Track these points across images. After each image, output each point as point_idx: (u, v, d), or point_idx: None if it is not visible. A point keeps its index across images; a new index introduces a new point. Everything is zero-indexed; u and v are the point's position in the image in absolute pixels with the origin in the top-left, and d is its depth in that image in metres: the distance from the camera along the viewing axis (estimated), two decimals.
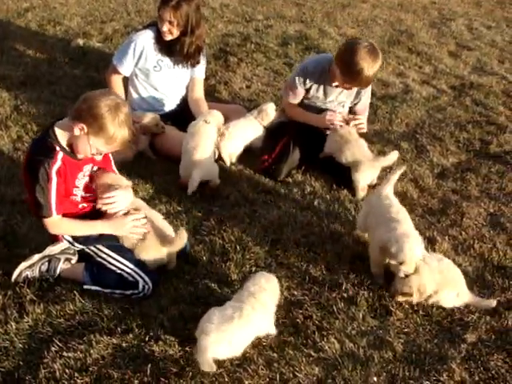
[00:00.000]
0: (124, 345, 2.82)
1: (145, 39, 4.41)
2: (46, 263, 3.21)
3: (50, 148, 2.98)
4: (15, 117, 4.96)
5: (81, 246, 3.27)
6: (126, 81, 4.71)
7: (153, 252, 3.22)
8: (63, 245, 3.28)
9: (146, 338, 2.85)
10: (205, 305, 2.98)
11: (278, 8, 8.42)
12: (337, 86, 4.23)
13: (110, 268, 3.19)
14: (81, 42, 6.60)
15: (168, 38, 4.37)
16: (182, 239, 3.23)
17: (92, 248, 3.25)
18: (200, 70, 4.77)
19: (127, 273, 3.14)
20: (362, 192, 4.05)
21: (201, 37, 4.51)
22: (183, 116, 4.67)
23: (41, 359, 2.75)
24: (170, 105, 4.76)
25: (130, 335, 2.86)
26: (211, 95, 5.42)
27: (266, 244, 3.49)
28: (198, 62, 4.67)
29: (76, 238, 3.25)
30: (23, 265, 3.17)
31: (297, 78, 4.32)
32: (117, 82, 4.55)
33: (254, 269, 3.32)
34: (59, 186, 3.00)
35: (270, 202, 3.95)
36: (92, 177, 3.24)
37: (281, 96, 5.27)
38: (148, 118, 4.37)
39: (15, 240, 3.51)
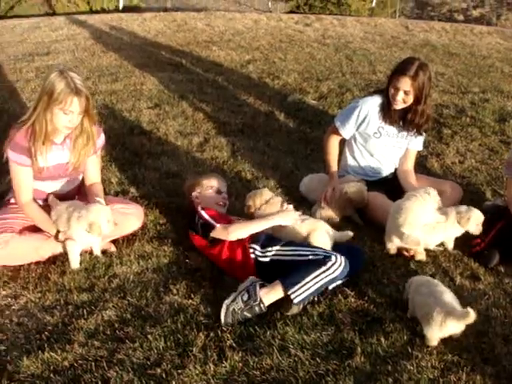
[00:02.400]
0: None
1: (370, 105, 4.45)
2: (245, 293, 3.32)
3: (194, 211, 3.87)
4: (231, 163, 5.23)
5: (269, 254, 3.54)
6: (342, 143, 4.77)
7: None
8: (252, 278, 3.43)
9: None
10: None
11: (495, 81, 8.15)
12: None
13: (300, 260, 3.42)
14: (297, 97, 6.85)
15: (400, 106, 4.38)
16: None
17: (275, 253, 3.53)
18: (418, 142, 4.70)
19: (315, 254, 3.41)
20: None
21: (430, 106, 4.46)
22: (394, 186, 4.63)
23: None
24: (383, 172, 4.73)
25: None
26: (422, 165, 5.32)
27: (471, 335, 3.28)
28: (425, 131, 4.63)
29: (264, 246, 3.57)
30: (227, 301, 3.30)
31: None
32: (334, 143, 4.62)
33: (455, 358, 3.13)
34: (210, 213, 3.78)
35: (478, 289, 3.73)
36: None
37: (497, 176, 5.05)
38: (353, 189, 4.37)
39: (220, 282, 3.64)
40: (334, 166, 4.57)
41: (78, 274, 3.61)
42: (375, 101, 4.49)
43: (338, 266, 3.34)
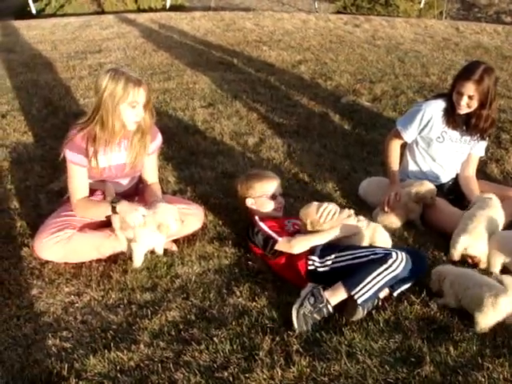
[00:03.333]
0: None
1: (434, 109, 4.35)
2: (311, 296, 3.27)
3: (252, 222, 3.86)
4: (287, 164, 5.18)
5: (329, 263, 3.46)
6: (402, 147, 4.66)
7: None
8: (311, 284, 3.37)
9: None
10: None
11: None
12: None
13: (359, 262, 3.34)
14: (351, 99, 6.76)
15: (464, 111, 4.27)
16: None
17: (334, 260, 3.46)
18: (480, 147, 4.58)
19: (375, 253, 3.32)
20: None
21: (495, 111, 4.35)
22: (456, 192, 4.55)
23: None
24: (445, 178, 4.62)
25: None
26: (482, 171, 5.17)
27: None
28: (489, 136, 4.52)
29: (322, 256, 3.49)
30: (294, 307, 3.24)
31: None
32: (395, 147, 4.52)
33: None
34: (269, 224, 3.74)
35: None
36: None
37: None
38: (425, 187, 4.26)
39: (283, 285, 3.59)
40: (395, 170, 4.47)
41: (140, 274, 3.60)
42: (439, 105, 4.38)
43: (399, 262, 3.27)
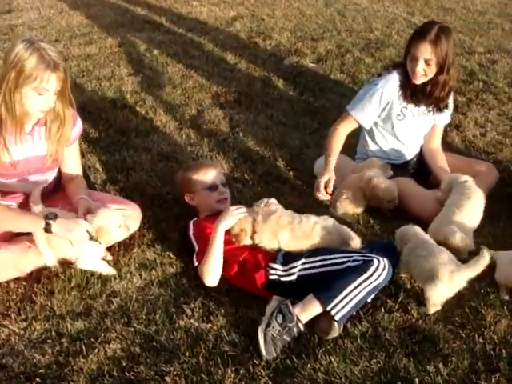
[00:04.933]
0: None
1: (392, 86, 3.83)
2: (279, 314, 2.78)
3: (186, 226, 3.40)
4: (231, 141, 4.61)
5: (295, 271, 2.97)
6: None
7: None
8: (277, 297, 2.89)
9: None
10: None
11: (498, 39, 7.55)
12: None
13: (333, 270, 2.87)
14: (294, 60, 6.20)
15: (421, 80, 3.76)
16: None
17: (302, 267, 2.97)
18: (445, 116, 4.13)
19: (352, 260, 2.84)
20: None
21: (454, 77, 3.86)
22: (420, 166, 4.15)
23: None
24: (408, 155, 4.16)
25: None
26: (442, 141, 4.73)
27: None
28: (446, 106, 4.03)
29: (286, 263, 3.00)
30: (260, 328, 2.74)
31: None
32: (343, 132, 3.91)
33: None
34: (199, 232, 3.27)
35: None
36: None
37: None
38: (383, 186, 3.76)
39: (241, 295, 3.07)
40: (331, 158, 3.81)
41: (69, 294, 3.00)
42: (395, 80, 3.86)
43: (381, 270, 2.81)
